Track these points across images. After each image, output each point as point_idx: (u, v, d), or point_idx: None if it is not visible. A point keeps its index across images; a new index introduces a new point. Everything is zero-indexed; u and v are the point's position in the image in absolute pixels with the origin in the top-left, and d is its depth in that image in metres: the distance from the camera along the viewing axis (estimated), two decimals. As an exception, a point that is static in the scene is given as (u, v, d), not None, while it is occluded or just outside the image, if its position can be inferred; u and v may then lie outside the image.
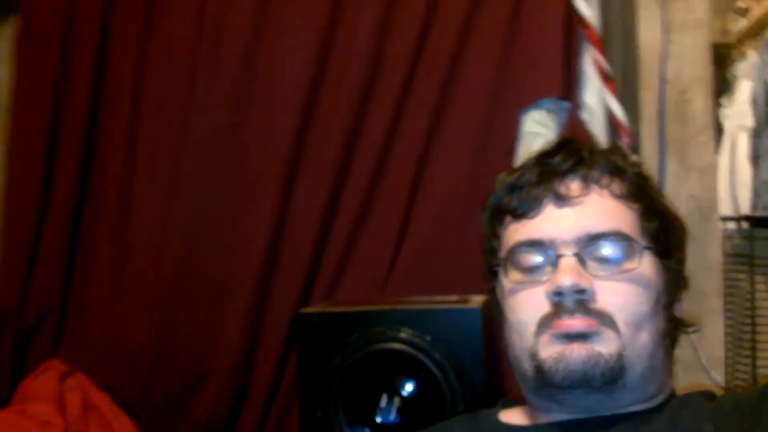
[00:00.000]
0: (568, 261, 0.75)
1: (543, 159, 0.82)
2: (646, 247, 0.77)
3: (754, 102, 1.60)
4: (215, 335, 1.84)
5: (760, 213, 1.53)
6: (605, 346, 0.73)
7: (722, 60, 1.78)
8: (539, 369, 0.75)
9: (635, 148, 1.68)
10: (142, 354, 1.87)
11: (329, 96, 1.84)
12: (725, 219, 1.64)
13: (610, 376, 0.73)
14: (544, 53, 1.69)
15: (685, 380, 1.69)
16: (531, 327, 0.76)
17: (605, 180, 0.79)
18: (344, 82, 1.82)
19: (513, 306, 0.79)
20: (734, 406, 0.73)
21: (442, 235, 1.73)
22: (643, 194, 0.80)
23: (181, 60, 1.93)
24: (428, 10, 1.78)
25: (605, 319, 0.74)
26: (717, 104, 1.73)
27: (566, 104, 1.70)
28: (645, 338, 0.75)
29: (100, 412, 1.78)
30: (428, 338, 1.38)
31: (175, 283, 1.88)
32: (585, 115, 1.69)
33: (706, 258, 1.71)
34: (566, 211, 0.78)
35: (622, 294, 0.75)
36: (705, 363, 1.68)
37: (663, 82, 1.76)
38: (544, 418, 0.79)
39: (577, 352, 0.73)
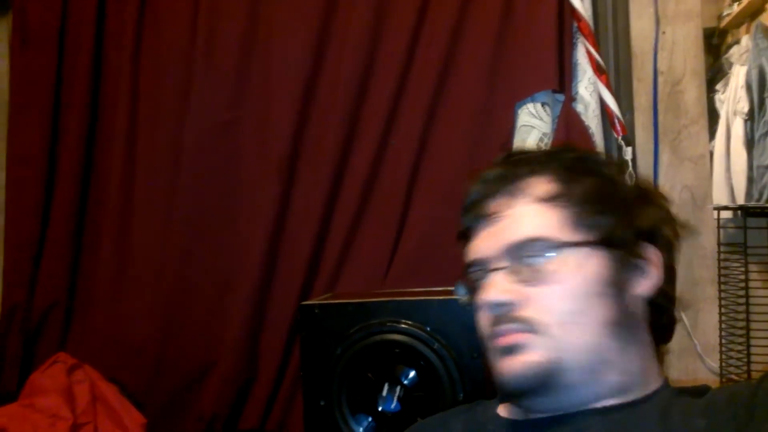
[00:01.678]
0: (492, 277, 0.78)
1: (480, 179, 0.84)
2: (571, 244, 0.77)
3: (748, 87, 1.62)
4: (219, 328, 1.87)
5: (755, 199, 1.55)
6: (536, 354, 0.75)
7: (716, 46, 1.79)
8: (498, 380, 0.79)
9: (629, 138, 1.70)
10: (148, 346, 1.90)
11: (325, 91, 1.86)
12: (719, 209, 1.66)
13: (546, 381, 0.75)
14: (538, 46, 1.71)
15: (679, 367, 1.72)
16: (487, 342, 0.80)
17: (527, 189, 0.80)
18: (340, 77, 1.84)
19: (478, 323, 0.82)
20: (728, 400, 0.73)
21: (439, 228, 1.75)
22: (574, 190, 0.79)
23: (176, 57, 1.96)
24: (422, 4, 1.80)
25: (532, 326, 0.76)
26: (712, 90, 1.75)
27: (560, 97, 1.71)
28: (579, 334, 0.75)
29: (108, 403, 1.81)
30: (427, 328, 1.41)
31: (178, 277, 1.91)
32: (579, 107, 1.71)
33: (700, 247, 1.73)
34: (494, 228, 0.80)
35: (545, 298, 0.76)
36: (700, 350, 1.71)
37: (656, 73, 1.78)
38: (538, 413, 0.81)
39: (511, 366, 0.76)
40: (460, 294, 0.85)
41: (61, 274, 2.00)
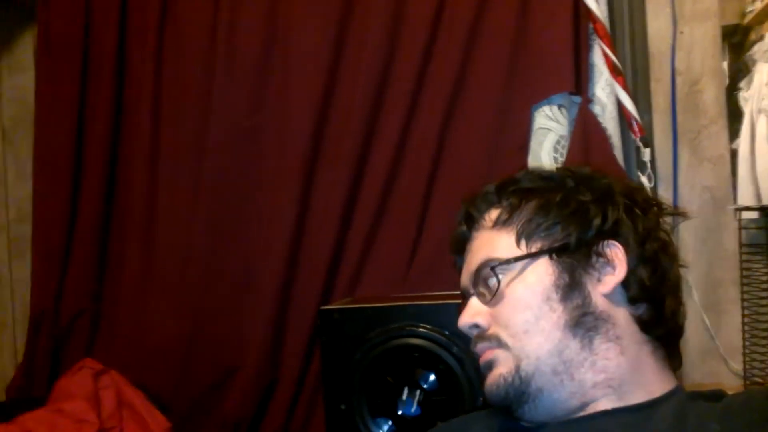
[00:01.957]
0: (467, 303, 0.85)
1: (456, 222, 0.94)
2: (514, 258, 0.82)
3: (773, 84, 1.60)
4: (241, 332, 1.89)
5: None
6: (504, 367, 0.81)
7: (739, 43, 1.77)
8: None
9: (647, 140, 1.69)
10: (172, 351, 1.93)
11: (344, 96, 1.87)
12: (740, 209, 1.64)
13: (516, 390, 0.80)
14: (554, 48, 1.70)
15: (703, 369, 1.70)
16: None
17: (480, 222, 0.88)
18: (358, 81, 1.85)
19: None
20: (743, 405, 0.74)
21: (458, 230, 1.74)
22: (518, 210, 0.85)
23: (197, 63, 1.98)
24: (438, 7, 1.80)
25: (497, 342, 0.82)
26: (735, 88, 1.73)
27: (577, 99, 1.71)
28: (538, 341, 0.80)
29: (134, 408, 1.84)
30: (446, 332, 1.41)
31: (201, 283, 1.93)
32: (596, 109, 1.70)
33: (721, 248, 1.71)
34: (465, 262, 0.90)
35: (503, 314, 0.82)
36: (723, 352, 1.69)
37: (673, 73, 1.77)
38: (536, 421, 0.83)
39: (488, 381, 0.83)
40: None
41: (88, 281, 2.04)
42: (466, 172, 1.75)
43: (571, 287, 0.81)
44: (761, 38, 1.72)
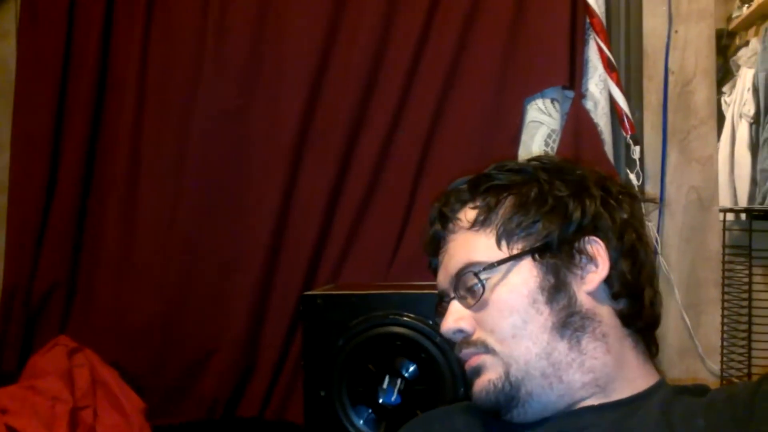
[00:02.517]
0: (450, 306, 0.82)
1: (429, 220, 0.90)
2: (497, 262, 0.79)
3: (755, 90, 1.61)
4: (222, 315, 1.87)
5: (758, 203, 1.55)
6: (492, 372, 0.79)
7: (725, 47, 1.78)
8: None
9: (637, 137, 1.69)
10: (150, 331, 1.90)
11: (335, 81, 1.85)
12: (725, 210, 1.65)
13: (506, 396, 0.78)
14: (550, 41, 1.70)
15: (681, 367, 1.72)
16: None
17: (456, 222, 0.85)
18: (350, 67, 1.84)
19: None
20: (727, 401, 0.73)
21: (445, 221, 1.74)
22: (495, 210, 0.82)
23: (186, 40, 1.95)
24: (433, -1, 1.79)
25: (484, 347, 0.79)
26: (719, 92, 1.74)
27: (570, 93, 1.71)
28: (526, 345, 0.78)
29: (108, 387, 1.81)
30: (430, 322, 1.41)
31: (182, 263, 1.91)
32: (589, 105, 1.70)
33: (705, 248, 1.73)
34: (442, 264, 0.86)
35: (488, 319, 0.79)
36: (701, 351, 1.71)
37: (666, 72, 1.77)
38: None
39: (476, 387, 0.81)
40: (438, 322, 0.89)
41: (64, 255, 1.99)
42: (457, 164, 1.74)
43: (556, 288, 0.79)
44: (746, 44, 1.72)
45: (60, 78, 2.00)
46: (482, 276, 0.79)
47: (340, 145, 1.82)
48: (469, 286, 0.81)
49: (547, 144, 1.68)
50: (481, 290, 0.79)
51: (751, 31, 1.73)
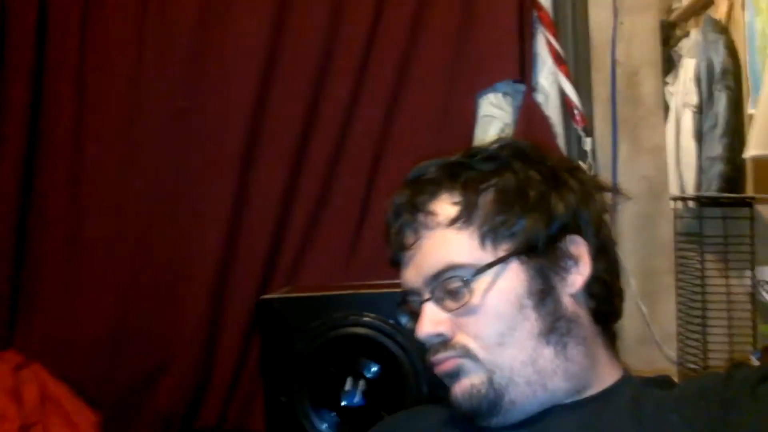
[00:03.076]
0: (425, 309, 0.77)
1: (391, 209, 0.82)
2: (483, 267, 0.75)
3: (698, 80, 1.64)
4: (175, 324, 1.83)
5: (705, 190, 1.58)
6: (474, 377, 0.75)
7: (666, 38, 1.81)
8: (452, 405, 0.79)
9: (588, 129, 1.71)
10: (99, 344, 1.84)
11: (283, 80, 1.82)
12: (675, 199, 1.68)
13: (489, 402, 0.75)
14: (499, 36, 1.71)
15: (638, 355, 1.74)
16: (433, 369, 0.79)
17: (430, 217, 0.78)
18: (298, 65, 1.81)
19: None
20: (698, 393, 0.72)
21: (401, 218, 1.73)
22: (476, 206, 0.77)
23: (125, 43, 1.89)
24: (382, -8, 1.78)
25: (465, 352, 0.75)
26: (663, 83, 1.77)
27: (521, 87, 1.72)
28: (511, 353, 0.74)
29: (58, 403, 1.75)
30: (390, 321, 1.39)
31: (131, 272, 1.86)
32: (540, 98, 1.71)
33: (657, 237, 1.76)
34: (411, 261, 0.79)
35: (472, 325, 0.75)
36: (658, 338, 1.73)
37: (614, 63, 1.79)
38: None
39: (455, 391, 0.76)
40: (404, 322, 0.85)
41: (4, 267, 1.91)
42: (410, 160, 1.69)
43: (543, 292, 0.76)
44: (687, 34, 1.76)
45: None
46: (467, 279, 0.75)
47: (292, 144, 1.80)
48: (451, 289, 0.76)
49: (498, 136, 1.69)
50: (467, 295, 0.75)
51: (692, 21, 1.76)
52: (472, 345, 0.75)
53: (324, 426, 1.41)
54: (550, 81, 1.72)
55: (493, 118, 1.69)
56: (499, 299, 0.75)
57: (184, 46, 1.86)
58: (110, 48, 1.90)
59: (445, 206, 0.78)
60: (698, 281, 1.60)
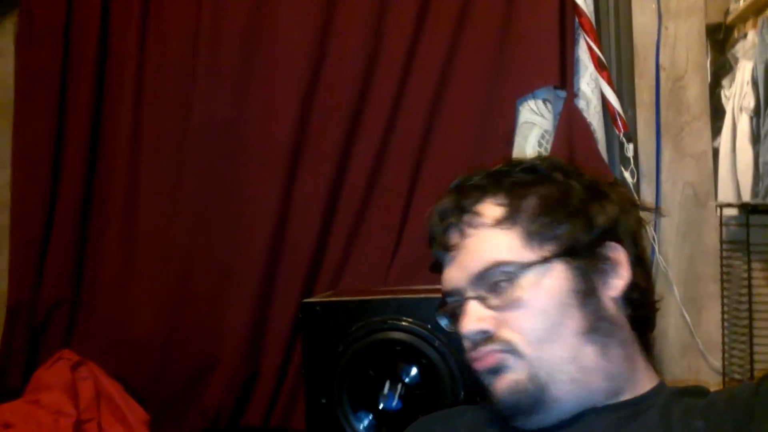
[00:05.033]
0: (468, 307, 0.80)
1: (435, 213, 0.86)
2: (530, 264, 0.78)
3: (754, 83, 1.60)
4: (222, 325, 1.88)
5: (761, 196, 1.54)
6: (517, 373, 0.77)
7: (722, 41, 1.78)
8: (493, 402, 0.80)
9: (630, 135, 1.70)
10: (152, 343, 1.91)
11: (328, 88, 1.85)
12: (721, 205, 1.65)
13: (532, 399, 0.76)
14: (540, 42, 1.70)
15: (682, 365, 1.71)
16: (473, 367, 0.81)
17: (476, 218, 0.81)
18: (342, 73, 1.84)
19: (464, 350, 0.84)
20: (727, 402, 0.73)
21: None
22: (521, 209, 0.80)
23: (181, 53, 1.96)
24: (423, 0, 1.79)
25: (509, 347, 0.77)
26: (718, 86, 1.73)
27: (562, 93, 1.71)
28: (556, 350, 0.76)
29: (112, 400, 1.82)
30: (429, 326, 1.41)
31: (182, 274, 1.92)
32: (581, 104, 1.70)
33: (702, 244, 1.72)
34: (455, 261, 0.82)
35: (517, 320, 0.77)
36: (702, 348, 1.70)
37: (658, 69, 1.77)
38: None
39: (497, 386, 0.78)
40: (444, 324, 0.88)
41: (67, 271, 2.01)
42: (451, 167, 1.74)
43: (586, 292, 0.78)
44: (744, 36, 1.72)
45: (58, 94, 2.02)
46: (513, 276, 0.77)
47: (336, 151, 1.83)
48: (497, 285, 0.78)
49: (540, 144, 1.69)
50: (514, 290, 0.77)
51: (749, 23, 1.73)
52: (517, 340, 0.77)
53: (362, 427, 1.44)
54: (591, 87, 1.71)
55: (533, 124, 1.68)
56: (544, 296, 0.77)
57: (233, 57, 1.91)
58: (166, 60, 1.97)
59: (491, 207, 0.81)
60: (745, 290, 1.57)
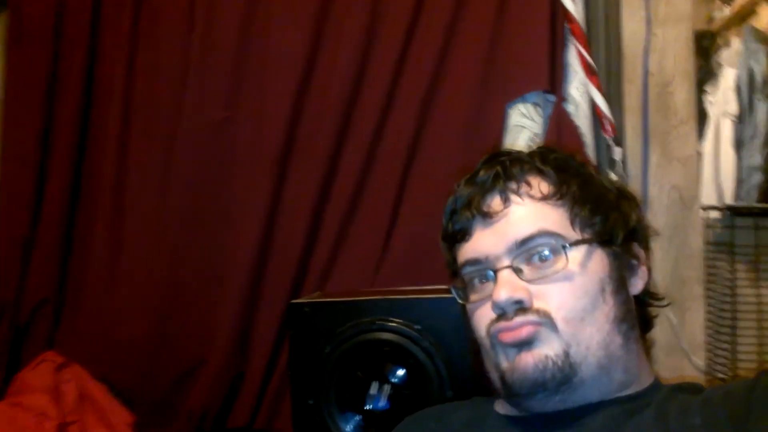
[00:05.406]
0: (503, 275, 0.78)
1: (469, 180, 0.85)
2: (579, 241, 0.78)
3: (738, 89, 1.63)
4: (209, 326, 1.87)
5: (743, 200, 1.56)
6: (550, 348, 0.75)
7: (707, 48, 1.80)
8: (502, 379, 0.79)
9: (618, 139, 1.71)
10: (137, 345, 1.89)
11: (319, 90, 1.86)
12: (706, 208, 1.67)
13: (562, 377, 0.75)
14: (530, 47, 1.71)
15: (666, 364, 1.73)
16: (486, 340, 0.80)
17: (523, 188, 0.81)
18: (333, 76, 1.84)
19: (473, 324, 0.83)
20: (723, 398, 0.73)
21: (431, 227, 1.72)
22: (568, 189, 0.81)
23: (172, 55, 1.95)
24: (416, 5, 1.81)
25: (544, 320, 0.76)
26: (701, 92, 1.75)
27: (552, 97, 1.72)
28: (590, 331, 0.76)
29: (96, 402, 1.80)
30: (417, 327, 1.41)
31: (169, 275, 1.91)
32: (570, 108, 1.71)
33: (687, 246, 1.74)
34: (493, 227, 0.80)
35: (557, 294, 0.77)
36: (686, 347, 1.72)
37: (646, 74, 1.79)
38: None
39: (525, 360, 0.76)
40: (456, 294, 0.85)
41: (51, 271, 1.98)
42: (440, 170, 1.75)
43: (620, 282, 0.80)
44: (727, 44, 1.75)
45: (46, 95, 2.00)
46: (560, 250, 0.77)
47: (325, 153, 1.83)
48: (539, 255, 0.78)
49: (530, 147, 1.69)
50: (563, 261, 0.77)
51: (733, 31, 1.75)
52: (555, 314, 0.76)
53: (349, 428, 1.43)
54: (580, 91, 1.72)
55: (523, 128, 1.70)
56: (589, 275, 0.78)
57: (226, 55, 1.91)
58: (156, 62, 1.97)
59: (540, 180, 0.82)
60: (728, 291, 1.59)
